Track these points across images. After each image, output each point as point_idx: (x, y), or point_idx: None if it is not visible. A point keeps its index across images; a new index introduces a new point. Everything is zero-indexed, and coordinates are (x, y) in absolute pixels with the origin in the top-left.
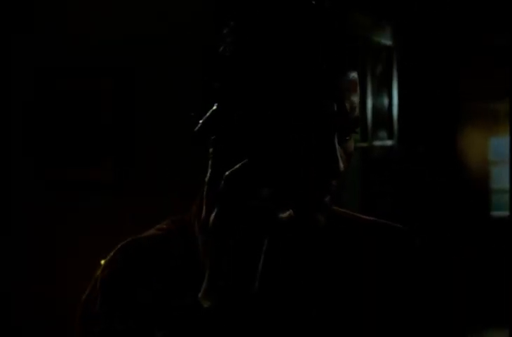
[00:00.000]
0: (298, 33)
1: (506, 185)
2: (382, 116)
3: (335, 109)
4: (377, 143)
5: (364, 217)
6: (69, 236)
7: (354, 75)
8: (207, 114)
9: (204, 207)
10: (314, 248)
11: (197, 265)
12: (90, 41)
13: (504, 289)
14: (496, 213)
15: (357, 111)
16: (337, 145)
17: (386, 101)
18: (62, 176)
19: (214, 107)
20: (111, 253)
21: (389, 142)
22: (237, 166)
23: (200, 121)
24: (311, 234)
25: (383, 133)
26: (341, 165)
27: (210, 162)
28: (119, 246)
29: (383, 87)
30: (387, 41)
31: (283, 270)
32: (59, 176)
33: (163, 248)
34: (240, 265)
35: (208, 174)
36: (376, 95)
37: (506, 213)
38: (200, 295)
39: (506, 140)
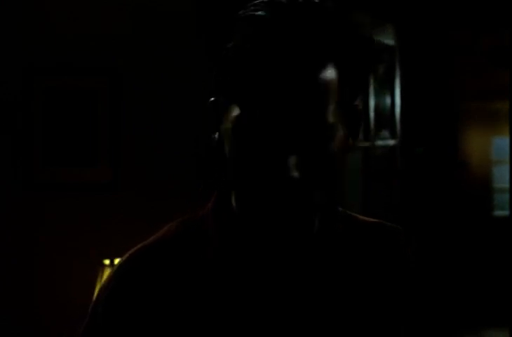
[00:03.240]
0: (310, 32)
1: (508, 185)
2: (385, 115)
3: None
4: (379, 143)
5: (361, 217)
6: (67, 237)
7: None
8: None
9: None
10: (316, 247)
11: (208, 266)
12: (85, 41)
13: (505, 289)
14: (498, 213)
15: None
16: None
17: (388, 101)
18: (58, 177)
19: (212, 99)
20: (120, 262)
21: (391, 142)
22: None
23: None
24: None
25: (385, 133)
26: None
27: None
28: (127, 255)
29: (385, 87)
30: (389, 41)
31: (288, 269)
32: (56, 177)
33: (172, 253)
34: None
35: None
36: (378, 94)
37: (508, 213)
38: None
39: (508, 139)
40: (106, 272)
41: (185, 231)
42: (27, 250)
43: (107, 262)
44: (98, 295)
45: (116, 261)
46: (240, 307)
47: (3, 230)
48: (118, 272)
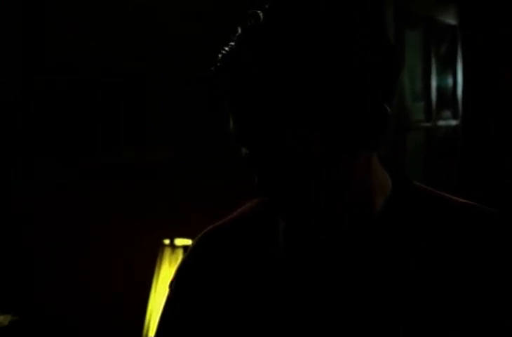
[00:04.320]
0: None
1: None
2: (447, 95)
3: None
4: (441, 123)
5: (454, 198)
6: (127, 219)
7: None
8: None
9: None
10: (393, 228)
11: (277, 250)
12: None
13: None
14: None
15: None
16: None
17: (450, 81)
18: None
19: None
20: (194, 240)
21: (454, 122)
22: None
23: None
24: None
25: (447, 113)
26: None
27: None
28: (201, 234)
29: (447, 66)
30: (452, 21)
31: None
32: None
33: (244, 235)
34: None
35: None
36: (440, 74)
37: None
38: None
39: None
40: (167, 252)
41: (260, 214)
42: (89, 231)
43: (167, 242)
44: (175, 270)
45: (176, 241)
46: (299, 308)
47: (64, 215)
48: (190, 250)
